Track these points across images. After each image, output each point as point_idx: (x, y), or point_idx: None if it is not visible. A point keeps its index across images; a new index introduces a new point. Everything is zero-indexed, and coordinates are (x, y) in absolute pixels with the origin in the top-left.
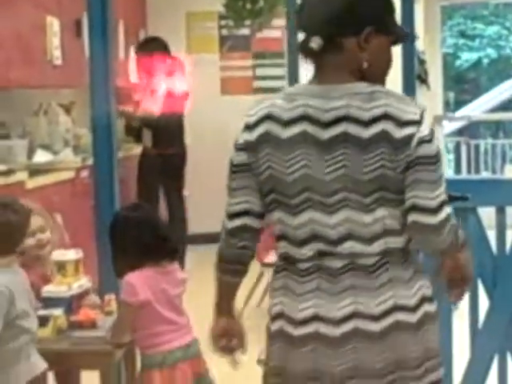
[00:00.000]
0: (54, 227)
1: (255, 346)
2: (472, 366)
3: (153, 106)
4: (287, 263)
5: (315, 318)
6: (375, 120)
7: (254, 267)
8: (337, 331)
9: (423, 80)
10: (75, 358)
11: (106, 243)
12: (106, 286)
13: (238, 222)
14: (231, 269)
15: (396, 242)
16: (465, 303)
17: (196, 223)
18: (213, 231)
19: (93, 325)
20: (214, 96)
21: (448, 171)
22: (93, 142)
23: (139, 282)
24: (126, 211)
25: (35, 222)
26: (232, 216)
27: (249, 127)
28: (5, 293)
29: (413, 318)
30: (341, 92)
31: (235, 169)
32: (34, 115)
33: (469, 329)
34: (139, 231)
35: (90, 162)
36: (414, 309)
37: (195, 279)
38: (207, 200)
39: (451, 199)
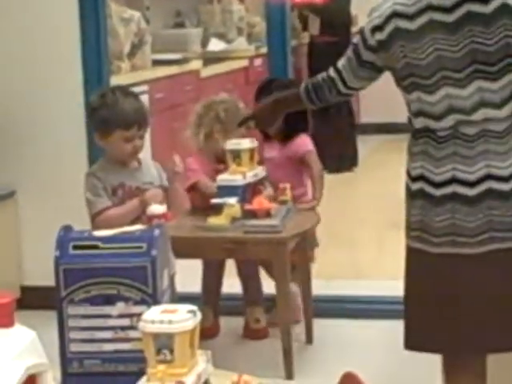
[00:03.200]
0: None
1: None
2: None
3: None
4: (427, 132)
5: (453, 180)
6: None
7: None
8: (473, 191)
9: None
10: (249, 246)
11: None
12: None
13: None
14: None
15: None
16: None
17: (367, 113)
18: (383, 121)
19: (267, 214)
20: None
21: None
22: (267, 30)
23: None
24: None
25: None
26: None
27: (379, 28)
28: None
29: None
30: None
31: (361, 63)
32: (208, 3)
33: None
34: None
35: (264, 50)
36: None
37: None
38: (378, 91)
39: None
